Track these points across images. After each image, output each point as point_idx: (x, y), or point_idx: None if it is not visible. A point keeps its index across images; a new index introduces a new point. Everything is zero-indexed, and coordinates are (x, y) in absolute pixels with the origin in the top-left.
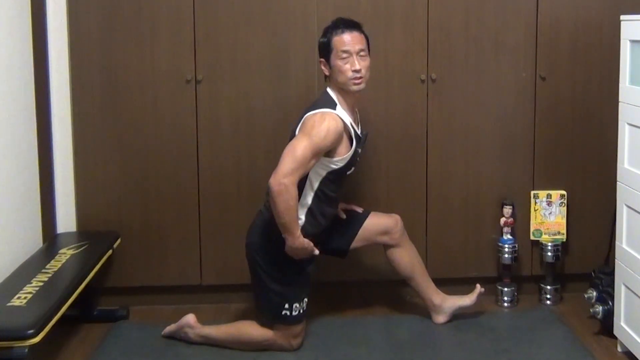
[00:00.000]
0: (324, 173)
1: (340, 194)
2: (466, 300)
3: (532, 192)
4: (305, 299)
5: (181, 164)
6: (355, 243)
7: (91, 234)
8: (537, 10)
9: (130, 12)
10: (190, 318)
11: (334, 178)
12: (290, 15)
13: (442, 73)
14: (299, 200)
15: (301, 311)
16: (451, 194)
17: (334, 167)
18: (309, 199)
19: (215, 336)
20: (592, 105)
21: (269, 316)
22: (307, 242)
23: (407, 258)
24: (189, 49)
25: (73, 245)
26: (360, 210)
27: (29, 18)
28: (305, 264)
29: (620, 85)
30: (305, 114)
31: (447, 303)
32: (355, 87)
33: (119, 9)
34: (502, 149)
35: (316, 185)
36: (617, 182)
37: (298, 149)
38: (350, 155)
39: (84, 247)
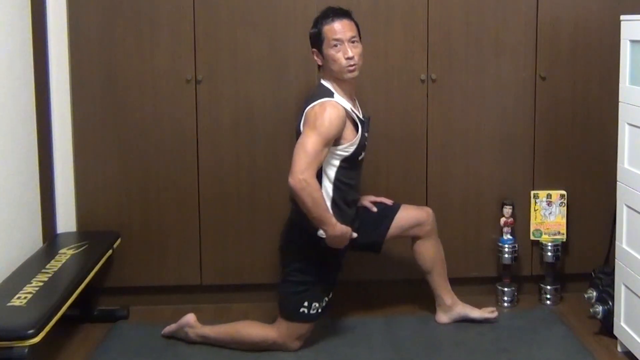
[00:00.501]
0: (337, 162)
1: (359, 180)
2: (475, 313)
3: (532, 192)
4: (326, 299)
5: (181, 164)
6: (389, 236)
7: (91, 234)
8: (537, 10)
9: (130, 12)
10: (190, 318)
11: (348, 165)
12: (290, 15)
13: (442, 73)
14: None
15: (319, 311)
16: (451, 194)
17: (345, 154)
18: (329, 190)
19: (215, 336)
20: (592, 105)
21: (286, 311)
22: (345, 228)
23: (431, 252)
24: (189, 49)
25: (73, 245)
26: (390, 202)
27: (29, 18)
28: (336, 263)
29: (620, 85)
30: (305, 109)
31: (457, 308)
32: (349, 75)
33: (119, 9)
34: (502, 149)
35: (332, 175)
36: (617, 182)
37: (308, 143)
38: (359, 138)
39: (84, 247)
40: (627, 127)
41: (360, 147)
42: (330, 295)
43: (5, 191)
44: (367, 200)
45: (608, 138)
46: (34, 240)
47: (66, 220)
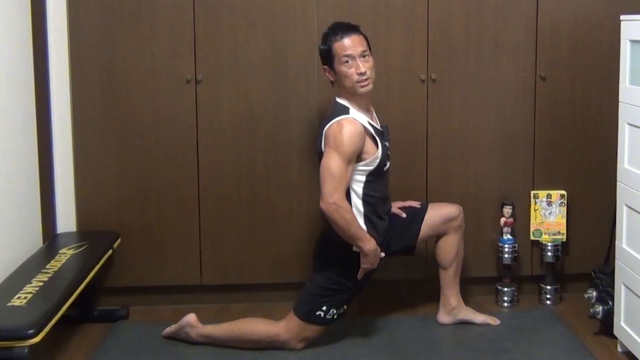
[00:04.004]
0: (363, 178)
1: (387, 190)
2: (478, 318)
3: (532, 192)
4: (345, 307)
5: (181, 164)
6: (421, 237)
7: (91, 234)
8: (537, 10)
9: (130, 12)
10: (191, 317)
11: (374, 179)
12: (290, 15)
13: (442, 73)
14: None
15: (334, 317)
16: (451, 194)
17: (370, 168)
18: (359, 207)
19: (218, 335)
20: (592, 105)
21: (302, 310)
22: (376, 245)
23: (454, 250)
24: (189, 49)
25: (73, 245)
26: (418, 205)
27: (29, 18)
28: (366, 277)
29: (620, 85)
30: (323, 129)
31: (461, 311)
32: (363, 90)
33: (119, 9)
34: (502, 149)
35: (360, 191)
36: (617, 182)
37: (332, 165)
38: (381, 151)
39: (84, 247)
40: (627, 127)
41: (384, 158)
42: (348, 305)
43: (5, 191)
44: (396, 207)
45: (608, 138)
46: (34, 240)
47: (66, 220)
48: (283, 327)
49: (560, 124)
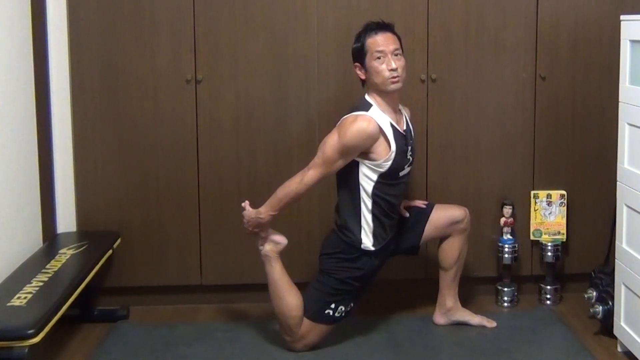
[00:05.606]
0: (374, 177)
1: (402, 196)
2: (474, 319)
3: (532, 192)
4: (352, 304)
5: (181, 163)
6: (425, 238)
7: (91, 234)
8: (537, 10)
9: (130, 12)
10: (280, 239)
11: (387, 181)
12: (290, 15)
13: (442, 73)
14: (360, 210)
15: (342, 315)
16: (451, 194)
17: (381, 169)
18: (369, 205)
19: (270, 277)
20: (592, 105)
21: (311, 310)
22: (263, 218)
23: (456, 253)
24: (189, 49)
25: (73, 245)
26: (423, 205)
27: (29, 18)
28: (372, 275)
29: (620, 85)
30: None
31: (457, 312)
32: (393, 86)
33: (119, 9)
34: (502, 149)
35: (370, 190)
36: (617, 182)
37: (328, 144)
38: (393, 154)
39: (84, 247)
40: (627, 127)
41: (397, 163)
42: (355, 302)
43: (5, 191)
44: (401, 206)
45: (608, 138)
46: (34, 240)
47: (66, 220)
48: (304, 318)
49: (560, 124)
